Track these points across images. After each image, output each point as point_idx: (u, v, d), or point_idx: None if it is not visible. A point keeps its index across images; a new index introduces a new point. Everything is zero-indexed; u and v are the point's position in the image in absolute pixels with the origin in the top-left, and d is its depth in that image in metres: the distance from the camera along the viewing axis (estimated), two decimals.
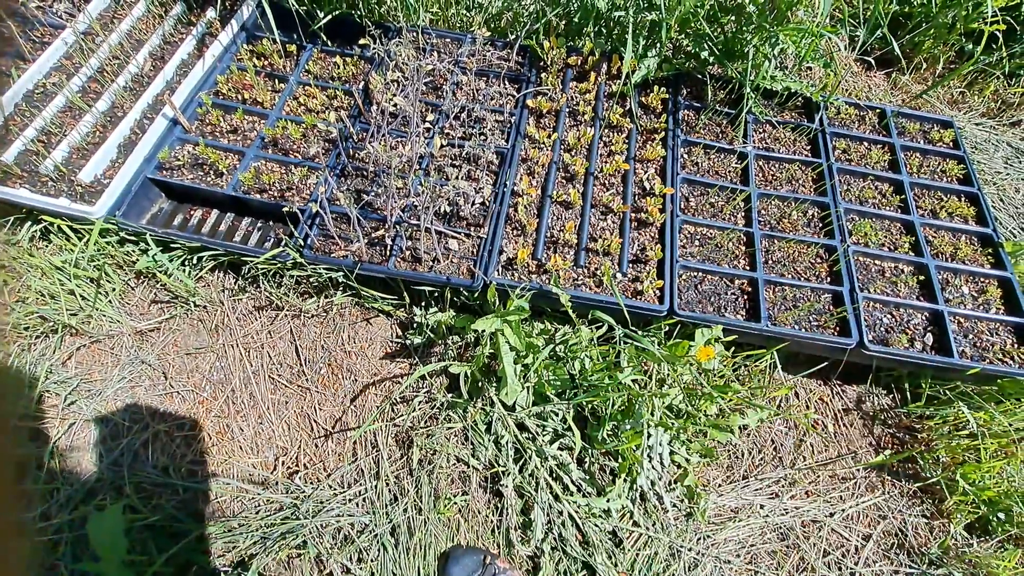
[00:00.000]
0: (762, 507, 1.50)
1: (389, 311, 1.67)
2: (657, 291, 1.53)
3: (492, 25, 2.15)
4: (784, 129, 1.91)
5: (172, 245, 1.59)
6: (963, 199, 1.82)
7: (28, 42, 1.82)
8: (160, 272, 1.59)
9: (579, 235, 1.62)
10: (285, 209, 1.53)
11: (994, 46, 2.37)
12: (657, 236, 1.65)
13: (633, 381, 1.49)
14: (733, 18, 1.81)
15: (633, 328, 1.52)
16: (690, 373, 1.41)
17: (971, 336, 1.56)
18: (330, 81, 1.88)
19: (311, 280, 1.61)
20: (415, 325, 1.62)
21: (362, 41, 1.82)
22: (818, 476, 1.56)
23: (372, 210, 1.62)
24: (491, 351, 1.47)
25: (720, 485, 1.52)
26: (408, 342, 1.62)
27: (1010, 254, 1.69)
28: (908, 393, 1.65)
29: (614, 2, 1.79)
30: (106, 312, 1.58)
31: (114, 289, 1.61)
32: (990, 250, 1.70)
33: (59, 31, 1.83)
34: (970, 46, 2.41)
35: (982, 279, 1.65)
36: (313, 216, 1.58)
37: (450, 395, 1.55)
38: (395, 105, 1.73)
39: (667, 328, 1.54)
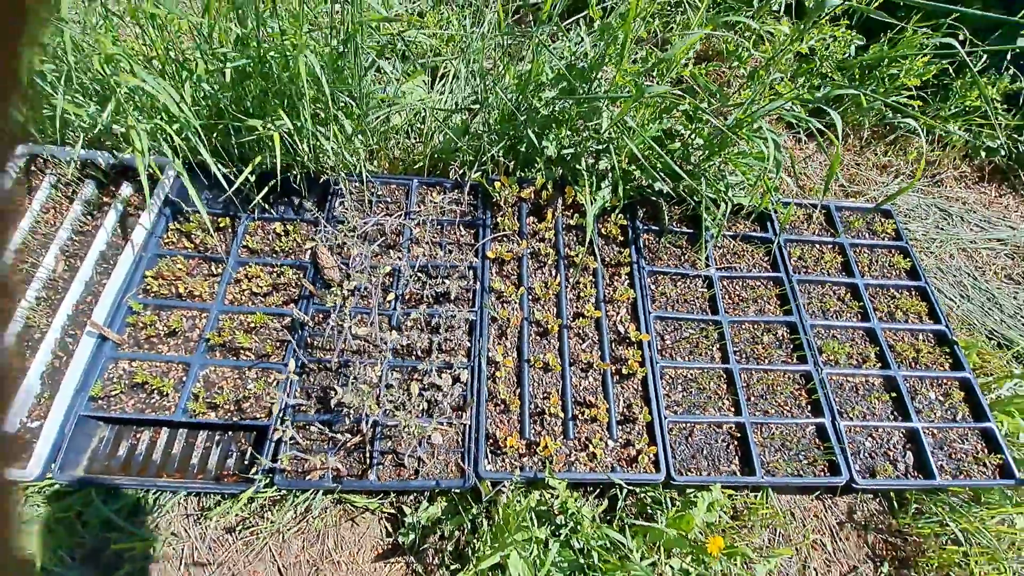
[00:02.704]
0: None
1: (375, 508, 1.57)
2: (651, 456, 1.51)
3: (436, 156, 2.07)
4: (740, 241, 1.94)
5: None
6: (914, 294, 1.91)
7: None
8: (112, 520, 1.42)
9: (563, 402, 1.57)
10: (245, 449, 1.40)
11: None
12: (641, 388, 1.62)
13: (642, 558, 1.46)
14: (679, 145, 1.82)
15: (632, 488, 1.50)
16: (698, 552, 1.39)
17: (946, 448, 1.63)
18: (273, 255, 1.74)
19: (286, 498, 1.49)
20: (406, 524, 1.53)
21: (306, 205, 1.71)
22: None
23: (342, 410, 1.51)
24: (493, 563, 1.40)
25: None
26: (400, 540, 1.53)
27: (964, 349, 1.78)
28: (895, 500, 1.71)
29: (563, 144, 1.76)
30: (53, 571, 1.39)
31: (60, 548, 1.42)
32: (947, 349, 1.79)
33: None
34: (890, 114, 2.54)
35: (945, 381, 1.73)
36: (277, 438, 1.45)
37: None
38: (352, 282, 1.63)
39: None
